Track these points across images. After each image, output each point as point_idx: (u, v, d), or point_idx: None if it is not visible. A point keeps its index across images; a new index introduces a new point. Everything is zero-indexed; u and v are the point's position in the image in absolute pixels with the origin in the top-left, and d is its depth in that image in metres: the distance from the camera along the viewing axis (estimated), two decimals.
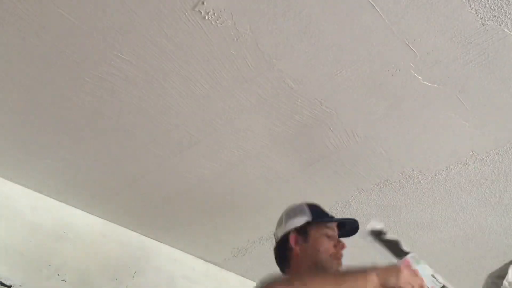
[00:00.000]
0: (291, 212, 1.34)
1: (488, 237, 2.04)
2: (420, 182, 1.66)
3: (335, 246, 1.30)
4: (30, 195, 1.80)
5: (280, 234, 1.30)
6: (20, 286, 1.65)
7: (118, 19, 1.08)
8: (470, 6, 1.00)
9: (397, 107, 1.31)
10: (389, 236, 1.33)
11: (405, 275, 1.23)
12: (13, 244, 1.68)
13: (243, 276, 2.41)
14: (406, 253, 1.36)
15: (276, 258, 1.29)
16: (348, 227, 1.42)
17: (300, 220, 1.29)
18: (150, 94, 1.29)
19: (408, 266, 1.31)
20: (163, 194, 1.80)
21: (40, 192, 1.83)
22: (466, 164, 1.55)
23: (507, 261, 1.37)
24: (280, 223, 1.33)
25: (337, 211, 1.89)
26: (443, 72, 1.18)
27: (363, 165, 1.58)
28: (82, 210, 1.96)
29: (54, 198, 1.87)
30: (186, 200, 1.85)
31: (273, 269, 1.24)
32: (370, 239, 1.42)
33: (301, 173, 1.65)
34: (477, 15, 1.02)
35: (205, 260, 2.44)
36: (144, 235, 2.18)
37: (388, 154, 1.52)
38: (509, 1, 0.99)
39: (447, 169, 1.59)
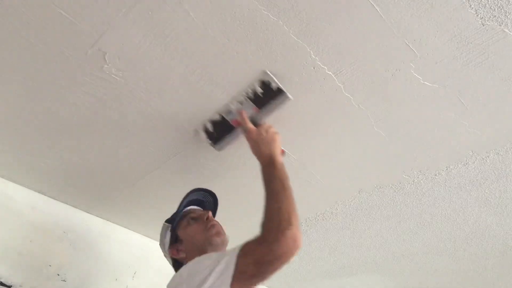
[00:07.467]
0: (160, 238, 1.44)
1: (488, 237, 2.04)
2: (420, 182, 1.66)
3: (203, 222, 1.37)
4: (30, 195, 1.80)
5: (168, 258, 1.43)
6: (20, 286, 1.65)
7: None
8: (470, 6, 1.00)
9: (397, 107, 1.31)
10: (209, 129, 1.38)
11: (262, 131, 1.26)
12: (13, 244, 1.68)
13: None
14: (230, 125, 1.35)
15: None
16: (205, 197, 1.52)
17: (167, 235, 1.41)
18: (150, 94, 1.29)
19: (241, 122, 1.31)
20: (162, 194, 1.80)
21: (40, 192, 1.83)
22: (466, 164, 1.55)
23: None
24: (163, 251, 1.44)
25: (337, 211, 1.89)
26: (443, 72, 1.18)
27: (363, 165, 1.58)
28: (82, 210, 1.96)
29: (54, 198, 1.88)
30: None
31: None
32: (216, 145, 1.44)
33: (302, 173, 1.65)
34: (477, 15, 1.02)
35: None
36: (144, 235, 2.18)
37: (388, 154, 1.52)
38: (509, 1, 0.99)
39: (447, 169, 1.59)
